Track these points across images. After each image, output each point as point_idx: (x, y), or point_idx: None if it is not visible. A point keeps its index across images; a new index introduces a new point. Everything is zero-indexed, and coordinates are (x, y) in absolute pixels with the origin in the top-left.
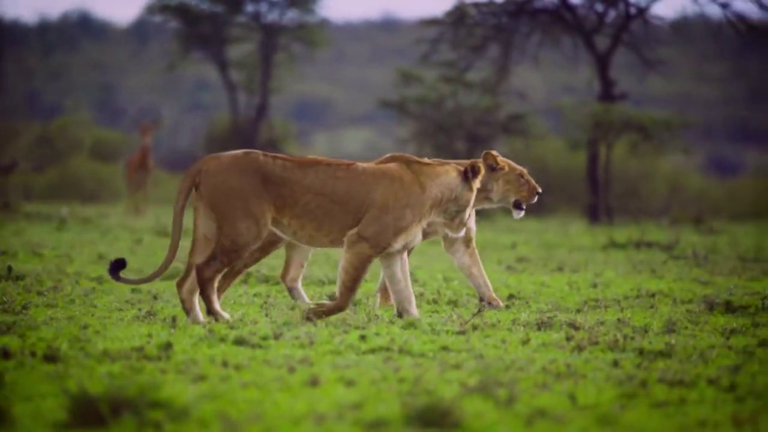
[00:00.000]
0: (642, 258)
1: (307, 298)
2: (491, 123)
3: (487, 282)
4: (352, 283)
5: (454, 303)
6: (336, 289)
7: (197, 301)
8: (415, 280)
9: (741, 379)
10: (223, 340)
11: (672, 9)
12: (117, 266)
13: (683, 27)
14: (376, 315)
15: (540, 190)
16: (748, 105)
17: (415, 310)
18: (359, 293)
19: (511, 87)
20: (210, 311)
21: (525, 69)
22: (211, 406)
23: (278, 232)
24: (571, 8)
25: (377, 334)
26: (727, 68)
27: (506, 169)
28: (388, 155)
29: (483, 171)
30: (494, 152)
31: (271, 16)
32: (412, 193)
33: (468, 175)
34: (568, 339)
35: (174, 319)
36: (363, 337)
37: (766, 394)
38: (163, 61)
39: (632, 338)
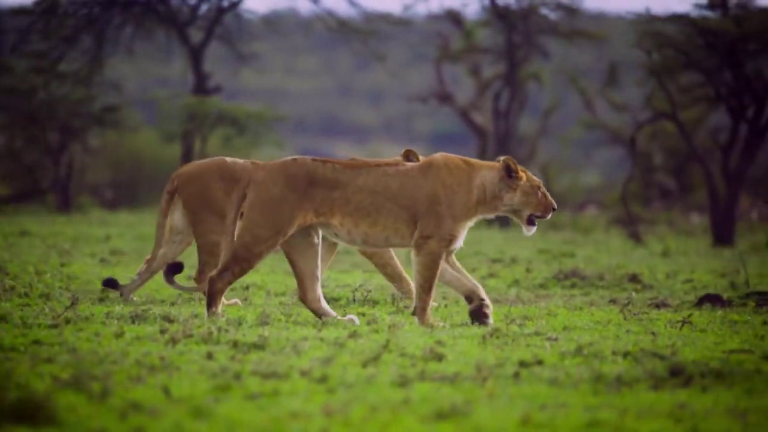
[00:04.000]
0: None
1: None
2: (85, 115)
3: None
4: (427, 283)
5: (46, 296)
6: (414, 293)
7: (326, 306)
8: (6, 273)
9: (332, 371)
10: None
11: (264, 3)
12: (173, 270)
13: (275, 21)
14: None
15: (555, 206)
16: (338, 99)
17: (483, 293)
18: None
19: (105, 78)
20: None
21: (118, 61)
22: None
23: (329, 234)
24: (164, 0)
25: None
26: (317, 62)
27: (524, 179)
28: (430, 156)
29: (518, 168)
30: (512, 159)
31: None
32: (460, 181)
33: (502, 173)
34: (162, 332)
35: None
36: None
37: (356, 385)
38: None
39: (226, 330)
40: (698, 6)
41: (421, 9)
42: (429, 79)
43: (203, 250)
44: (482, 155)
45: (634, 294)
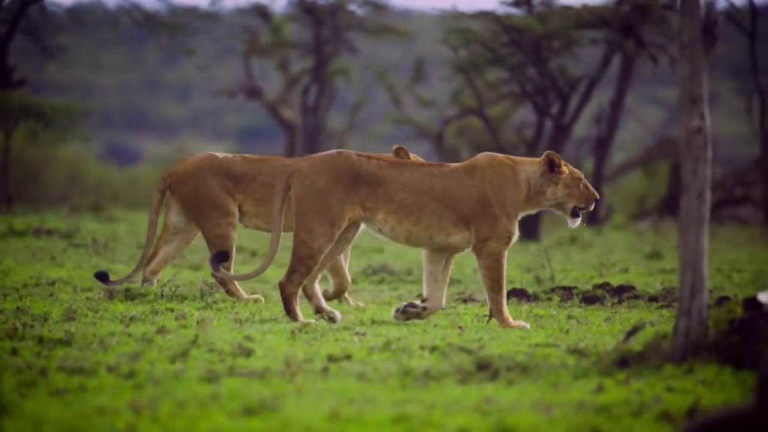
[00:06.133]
0: (41, 246)
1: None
2: None
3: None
4: (496, 284)
5: None
6: (486, 298)
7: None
8: None
9: (140, 366)
10: None
11: None
12: (219, 258)
13: (80, 14)
14: None
15: (598, 197)
16: (145, 93)
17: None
18: None
19: None
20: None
21: None
22: None
23: (372, 230)
24: None
25: None
26: (124, 56)
27: (566, 172)
28: (476, 156)
29: (561, 162)
30: (556, 154)
31: None
32: (507, 178)
33: (544, 167)
34: None
35: None
36: None
37: (164, 380)
38: None
39: (32, 326)
40: (504, 3)
41: (228, 3)
42: (237, 73)
43: (214, 245)
44: (291, 150)
45: None
